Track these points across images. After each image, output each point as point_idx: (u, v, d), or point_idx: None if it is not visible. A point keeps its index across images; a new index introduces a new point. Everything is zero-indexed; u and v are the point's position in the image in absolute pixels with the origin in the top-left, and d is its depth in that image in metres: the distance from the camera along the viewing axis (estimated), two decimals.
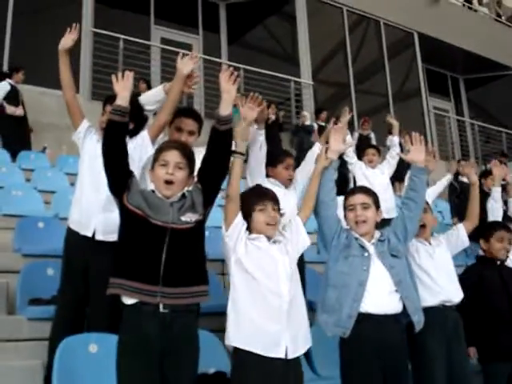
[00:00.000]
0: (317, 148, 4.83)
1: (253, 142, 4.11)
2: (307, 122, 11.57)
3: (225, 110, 3.05)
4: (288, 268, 3.02)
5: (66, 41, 3.87)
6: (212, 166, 3.02)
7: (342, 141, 3.56)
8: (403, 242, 3.49)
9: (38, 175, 7.66)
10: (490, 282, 4.16)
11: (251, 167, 4.25)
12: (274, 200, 3.13)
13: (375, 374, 3.22)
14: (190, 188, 3.00)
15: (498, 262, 4.33)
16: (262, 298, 2.93)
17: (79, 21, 11.07)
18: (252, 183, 3.97)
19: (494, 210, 5.36)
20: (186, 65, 3.69)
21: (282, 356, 2.88)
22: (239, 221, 3.06)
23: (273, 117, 10.06)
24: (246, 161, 4.08)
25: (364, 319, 3.22)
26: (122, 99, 2.95)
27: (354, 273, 3.29)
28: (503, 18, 20.01)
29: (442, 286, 3.75)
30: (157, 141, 3.79)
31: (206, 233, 3.08)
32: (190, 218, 2.89)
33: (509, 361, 4.02)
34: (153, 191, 2.94)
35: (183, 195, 2.95)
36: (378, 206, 3.51)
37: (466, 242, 4.09)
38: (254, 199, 3.11)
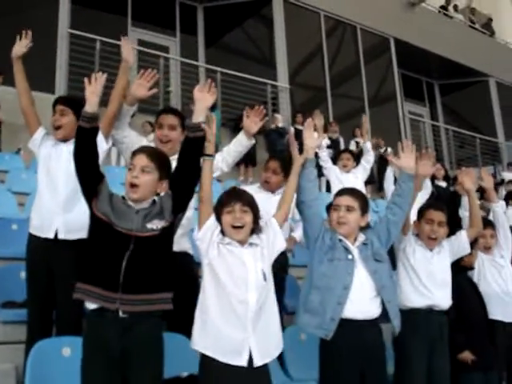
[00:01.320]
0: None
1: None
2: (280, 124, 11.61)
3: (196, 118, 3.05)
4: (260, 275, 2.95)
5: (18, 48, 3.83)
6: (183, 172, 3.01)
7: (314, 136, 3.55)
8: (385, 246, 3.52)
9: (12, 177, 7.56)
10: (465, 289, 4.20)
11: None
12: (244, 201, 3.01)
13: (353, 378, 3.25)
14: (161, 194, 2.99)
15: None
16: (228, 305, 2.88)
17: (56, 22, 11.04)
18: None
19: (465, 218, 5.40)
20: (130, 53, 3.75)
21: (245, 364, 2.84)
22: (211, 224, 3.02)
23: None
24: None
25: (345, 323, 3.23)
26: (90, 105, 2.93)
27: (338, 276, 3.30)
28: (477, 24, 20.27)
29: (431, 291, 3.80)
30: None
31: None
32: (156, 225, 2.88)
33: (483, 371, 4.06)
34: (123, 197, 2.95)
35: (153, 201, 2.95)
36: (365, 211, 3.49)
37: (467, 248, 4.10)
38: (223, 201, 3.03)
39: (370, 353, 3.30)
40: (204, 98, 3.11)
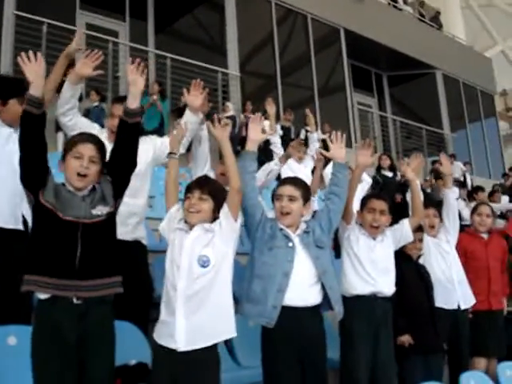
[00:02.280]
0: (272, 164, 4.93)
1: (194, 137, 4.14)
2: (229, 113, 11.58)
3: (132, 102, 3.00)
4: (194, 261, 2.97)
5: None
6: (121, 158, 2.99)
7: (260, 130, 3.56)
8: (327, 234, 3.56)
9: None
10: (408, 276, 4.26)
11: (193, 160, 4.29)
12: (205, 189, 3.08)
13: (294, 365, 3.30)
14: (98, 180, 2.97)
15: (415, 258, 4.48)
16: (166, 289, 3.01)
17: (1, 4, 10.72)
18: (196, 176, 3.98)
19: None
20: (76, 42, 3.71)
21: (176, 348, 2.89)
22: (173, 212, 3.14)
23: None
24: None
25: (285, 311, 3.27)
26: (35, 88, 2.77)
27: (278, 264, 3.33)
28: (426, 17, 20.61)
29: (374, 278, 3.87)
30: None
31: None
32: (100, 210, 2.87)
33: (423, 355, 4.15)
34: (63, 184, 2.90)
35: (93, 188, 2.92)
36: (306, 200, 3.53)
37: (410, 237, 4.17)
38: (188, 186, 3.13)
39: (309, 340, 3.36)
40: (138, 80, 3.05)
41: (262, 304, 3.29)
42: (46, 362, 2.70)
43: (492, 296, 5.12)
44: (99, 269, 2.82)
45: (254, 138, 3.51)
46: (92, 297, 2.78)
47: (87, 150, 2.89)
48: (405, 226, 4.14)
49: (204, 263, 2.99)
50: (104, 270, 2.85)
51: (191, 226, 3.06)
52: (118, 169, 2.99)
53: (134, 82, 3.05)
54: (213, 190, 3.12)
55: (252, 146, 3.49)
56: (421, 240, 4.47)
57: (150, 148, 4.02)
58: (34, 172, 2.84)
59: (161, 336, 2.98)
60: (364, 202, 4.09)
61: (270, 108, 6.82)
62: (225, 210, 3.15)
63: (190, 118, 3.96)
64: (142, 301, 3.90)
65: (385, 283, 3.92)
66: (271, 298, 3.28)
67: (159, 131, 9.65)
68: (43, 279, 2.72)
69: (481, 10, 26.86)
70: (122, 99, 3.93)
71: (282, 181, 3.72)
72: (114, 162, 2.99)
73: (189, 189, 3.12)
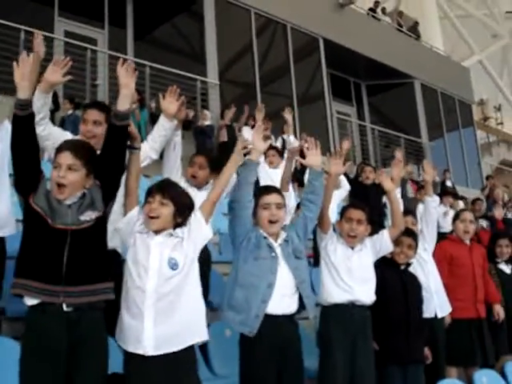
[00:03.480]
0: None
1: (168, 143, 4.11)
2: (207, 122, 11.57)
3: (123, 105, 2.99)
4: (165, 263, 2.95)
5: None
6: (109, 162, 2.98)
7: (263, 140, 3.54)
8: (303, 241, 3.63)
9: None
10: (390, 285, 4.26)
11: (165, 167, 4.25)
12: (166, 194, 3.03)
13: (272, 373, 3.31)
14: (88, 186, 2.94)
15: (402, 267, 4.44)
16: (129, 292, 2.94)
17: None
18: None
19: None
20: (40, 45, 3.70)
21: (146, 353, 2.86)
22: (133, 215, 3.09)
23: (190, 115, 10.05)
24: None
25: (267, 318, 3.31)
26: (22, 90, 2.80)
27: (263, 274, 3.37)
28: (404, 28, 20.79)
29: (352, 286, 3.88)
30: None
31: None
32: (89, 216, 2.85)
33: (402, 364, 4.14)
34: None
35: (83, 194, 2.90)
36: (285, 207, 3.63)
37: (390, 247, 4.19)
38: (148, 191, 3.08)
39: (287, 348, 3.39)
40: (130, 82, 3.06)
41: (245, 313, 3.31)
42: (33, 371, 2.66)
43: (479, 303, 5.14)
44: (88, 274, 2.80)
45: (259, 148, 3.49)
46: (82, 303, 2.75)
47: (64, 158, 2.86)
48: (384, 236, 4.15)
49: (173, 266, 2.98)
50: (93, 276, 2.83)
51: (156, 231, 3.03)
52: (107, 173, 2.96)
53: (127, 84, 3.04)
54: (174, 195, 3.07)
55: (256, 155, 3.46)
56: (410, 246, 4.42)
57: None
58: (25, 175, 2.83)
59: (127, 341, 2.91)
60: (343, 211, 4.13)
61: (259, 114, 6.74)
62: (198, 218, 3.15)
63: (164, 124, 3.93)
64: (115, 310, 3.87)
65: (363, 292, 3.92)
66: (255, 308, 3.31)
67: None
68: (30, 283, 2.71)
69: (458, 21, 27.14)
70: (94, 105, 3.91)
71: (265, 190, 3.70)
72: (103, 166, 2.96)
73: (150, 192, 3.06)
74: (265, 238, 3.47)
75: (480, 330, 5.09)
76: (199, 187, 4.47)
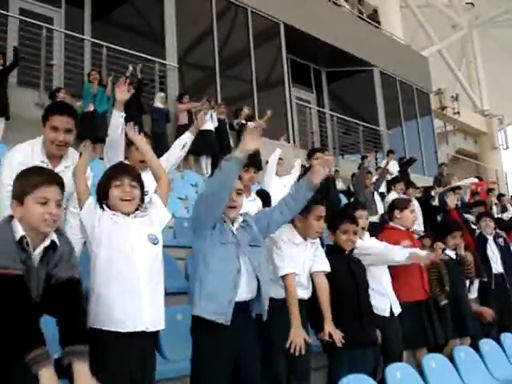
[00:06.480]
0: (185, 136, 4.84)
1: (116, 126, 4.15)
2: (159, 105, 11.48)
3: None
4: (146, 239, 3.03)
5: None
6: None
7: (256, 141, 3.30)
8: (262, 236, 3.63)
9: None
10: (337, 271, 4.27)
11: (112, 148, 4.23)
12: (133, 176, 3.10)
13: (228, 360, 3.30)
14: None
15: (346, 252, 4.47)
16: (114, 274, 2.94)
17: None
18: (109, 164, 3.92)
19: None
20: None
21: (143, 329, 2.94)
22: (93, 201, 3.08)
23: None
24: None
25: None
26: None
27: (231, 260, 3.36)
28: (365, 15, 20.89)
29: None
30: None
31: None
32: None
33: (351, 349, 4.15)
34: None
35: None
36: None
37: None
38: (112, 175, 3.09)
39: (246, 333, 3.38)
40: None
41: (218, 301, 3.27)
42: None
43: (426, 285, 5.26)
44: None
45: (249, 147, 3.26)
46: None
47: (54, 193, 2.70)
48: None
49: (154, 241, 3.06)
50: None
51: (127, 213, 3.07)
52: None
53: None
54: (139, 177, 3.14)
55: (244, 154, 3.25)
56: (355, 233, 4.46)
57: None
58: None
59: (122, 322, 2.89)
60: (309, 208, 4.03)
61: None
62: (157, 201, 3.20)
63: (119, 113, 4.00)
64: None
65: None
66: (227, 295, 3.28)
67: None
68: None
69: (419, 10, 27.34)
70: (63, 110, 3.78)
71: None
72: None
73: (114, 176, 3.07)
74: (225, 221, 3.46)
75: (428, 310, 5.21)
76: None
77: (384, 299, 4.78)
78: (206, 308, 3.28)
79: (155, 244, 3.06)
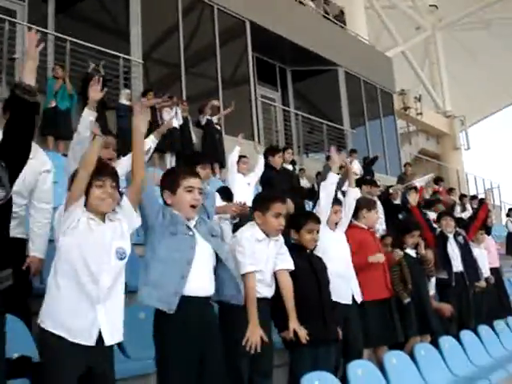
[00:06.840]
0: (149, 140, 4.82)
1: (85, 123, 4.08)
2: (124, 102, 11.40)
3: (30, 78, 2.74)
4: (113, 254, 2.97)
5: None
6: (15, 140, 2.70)
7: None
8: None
9: None
10: (300, 269, 4.28)
11: (75, 145, 4.21)
12: (114, 178, 3.07)
13: (194, 357, 3.28)
14: None
15: (308, 251, 4.50)
16: (78, 282, 2.90)
17: None
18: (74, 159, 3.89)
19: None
20: None
21: (91, 343, 2.90)
22: (81, 203, 3.00)
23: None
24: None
25: (188, 300, 3.27)
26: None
27: (182, 249, 3.32)
28: (331, 15, 21.01)
29: None
30: None
31: None
32: None
33: (314, 347, 4.18)
34: None
35: None
36: None
37: None
38: (94, 174, 3.01)
39: (209, 330, 3.36)
40: (36, 55, 2.86)
41: (163, 289, 3.25)
42: None
43: (389, 284, 5.36)
44: None
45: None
46: None
47: None
48: None
49: (121, 255, 3.00)
50: None
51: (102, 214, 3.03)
52: (12, 153, 2.69)
53: (35, 57, 2.82)
54: (118, 179, 3.11)
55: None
56: (318, 231, 4.50)
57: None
58: None
59: (71, 329, 2.86)
60: (268, 205, 4.06)
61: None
62: (126, 205, 3.14)
63: (91, 113, 3.93)
64: (23, 293, 3.85)
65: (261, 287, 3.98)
66: (173, 284, 3.25)
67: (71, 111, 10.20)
68: None
69: (383, 11, 27.60)
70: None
71: (189, 172, 3.62)
72: (8, 144, 2.69)
73: (97, 175, 3.01)
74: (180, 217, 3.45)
75: (390, 309, 5.30)
76: None
77: (346, 287, 4.86)
78: (151, 294, 3.28)
79: (122, 259, 3.00)
